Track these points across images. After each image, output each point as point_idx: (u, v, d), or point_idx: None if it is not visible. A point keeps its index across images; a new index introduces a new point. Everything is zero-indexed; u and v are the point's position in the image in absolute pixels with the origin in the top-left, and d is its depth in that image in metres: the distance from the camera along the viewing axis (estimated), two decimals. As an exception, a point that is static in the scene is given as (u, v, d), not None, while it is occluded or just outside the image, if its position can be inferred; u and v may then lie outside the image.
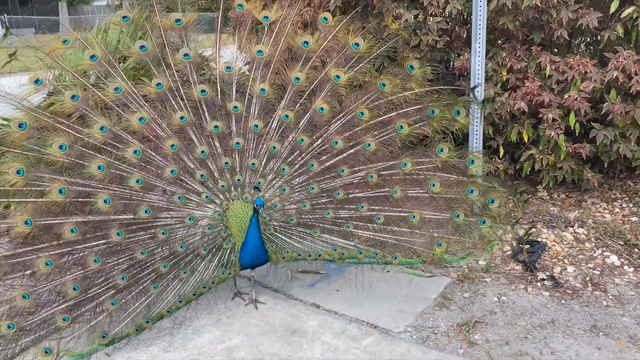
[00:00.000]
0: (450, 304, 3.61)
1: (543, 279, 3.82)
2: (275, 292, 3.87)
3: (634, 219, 4.55)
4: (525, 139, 4.74)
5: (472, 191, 3.49)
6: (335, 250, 3.56)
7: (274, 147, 3.65)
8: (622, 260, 3.99)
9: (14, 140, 3.13)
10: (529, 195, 4.96)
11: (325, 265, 4.15)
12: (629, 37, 4.22)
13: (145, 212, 3.31)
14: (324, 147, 3.65)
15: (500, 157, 4.93)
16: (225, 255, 3.50)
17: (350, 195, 3.59)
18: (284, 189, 3.61)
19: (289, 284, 3.95)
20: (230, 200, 3.57)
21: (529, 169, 4.80)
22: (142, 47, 3.59)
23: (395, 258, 3.49)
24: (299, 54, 3.71)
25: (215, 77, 3.78)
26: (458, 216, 3.42)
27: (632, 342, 3.13)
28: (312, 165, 3.62)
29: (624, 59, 4.07)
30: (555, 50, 4.60)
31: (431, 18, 4.62)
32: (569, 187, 5.10)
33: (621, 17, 4.05)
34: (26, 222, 3.02)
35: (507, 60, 4.56)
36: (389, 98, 3.64)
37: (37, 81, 3.35)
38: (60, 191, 3.11)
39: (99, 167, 3.23)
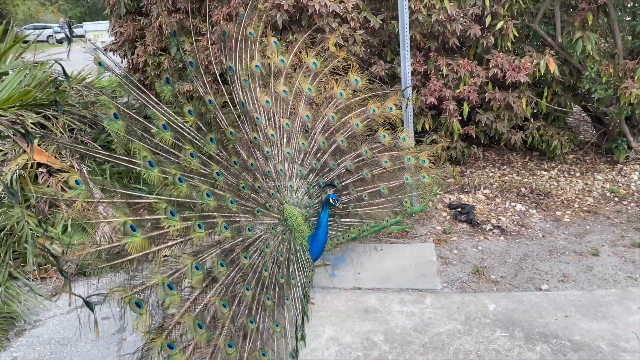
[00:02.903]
0: (449, 261, 4.44)
1: (491, 229, 4.96)
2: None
3: (506, 178, 6.10)
4: (427, 127, 5.88)
5: (409, 159, 4.46)
6: (354, 229, 4.12)
7: (289, 152, 3.98)
8: (524, 206, 5.41)
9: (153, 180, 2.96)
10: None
11: (325, 257, 4.53)
12: (496, 44, 5.68)
13: (249, 230, 3.31)
14: (317, 147, 4.17)
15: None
16: (301, 255, 3.65)
17: (343, 184, 4.23)
18: (308, 188, 3.96)
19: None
20: (281, 205, 3.73)
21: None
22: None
23: (387, 221, 4.27)
24: (276, 70, 4.17)
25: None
26: (407, 179, 4.39)
27: (578, 254, 4.45)
28: (315, 163, 4.11)
29: (500, 59, 5.50)
30: (446, 55, 5.82)
31: (355, 32, 5.35)
32: (450, 162, 6.44)
33: (496, 29, 5.45)
34: (196, 267, 2.85)
35: (412, 65, 5.59)
36: (346, 103, 4.38)
37: None
38: (199, 226, 2.97)
39: (208, 195, 3.14)
